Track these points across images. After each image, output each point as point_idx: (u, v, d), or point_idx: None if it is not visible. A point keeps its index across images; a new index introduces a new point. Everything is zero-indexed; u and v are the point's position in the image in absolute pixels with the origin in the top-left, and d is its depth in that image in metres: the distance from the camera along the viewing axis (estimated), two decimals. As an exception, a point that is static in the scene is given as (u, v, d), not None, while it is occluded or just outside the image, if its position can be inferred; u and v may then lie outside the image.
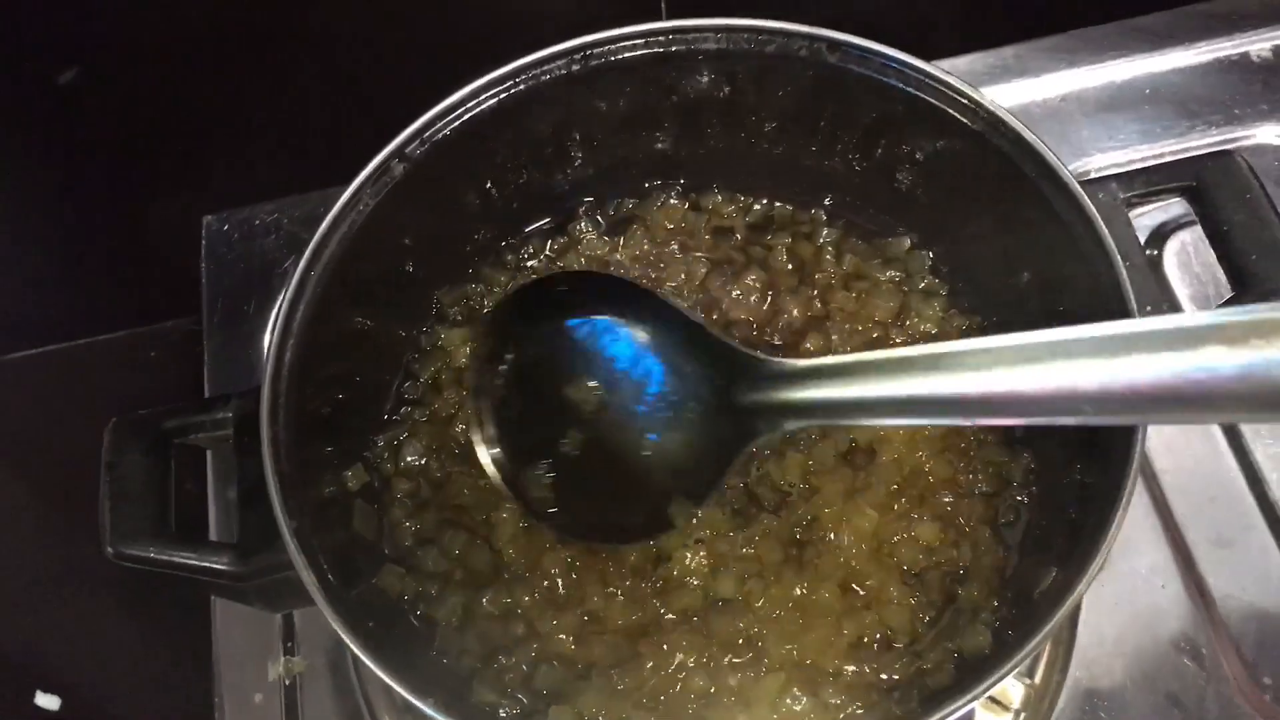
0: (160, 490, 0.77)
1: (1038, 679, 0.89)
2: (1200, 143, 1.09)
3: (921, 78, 0.83)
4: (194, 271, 1.17)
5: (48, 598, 1.14)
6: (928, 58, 0.85)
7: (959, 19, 1.22)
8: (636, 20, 0.87)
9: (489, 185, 0.93)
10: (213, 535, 0.98)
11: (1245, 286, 0.76)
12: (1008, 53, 1.17)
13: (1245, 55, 1.13)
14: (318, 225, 0.81)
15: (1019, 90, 1.14)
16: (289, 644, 0.96)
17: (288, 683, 0.95)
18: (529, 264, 0.96)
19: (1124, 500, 0.68)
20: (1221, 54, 1.14)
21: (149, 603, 1.07)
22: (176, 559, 0.73)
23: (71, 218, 1.24)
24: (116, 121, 1.18)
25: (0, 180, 1.23)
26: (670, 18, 0.87)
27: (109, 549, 0.73)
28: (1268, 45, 1.13)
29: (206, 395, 1.08)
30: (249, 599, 0.79)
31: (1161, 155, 1.09)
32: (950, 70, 0.83)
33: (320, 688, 0.95)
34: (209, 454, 1.01)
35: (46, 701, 1.07)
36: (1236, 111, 1.10)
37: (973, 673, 0.70)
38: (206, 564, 0.73)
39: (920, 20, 1.19)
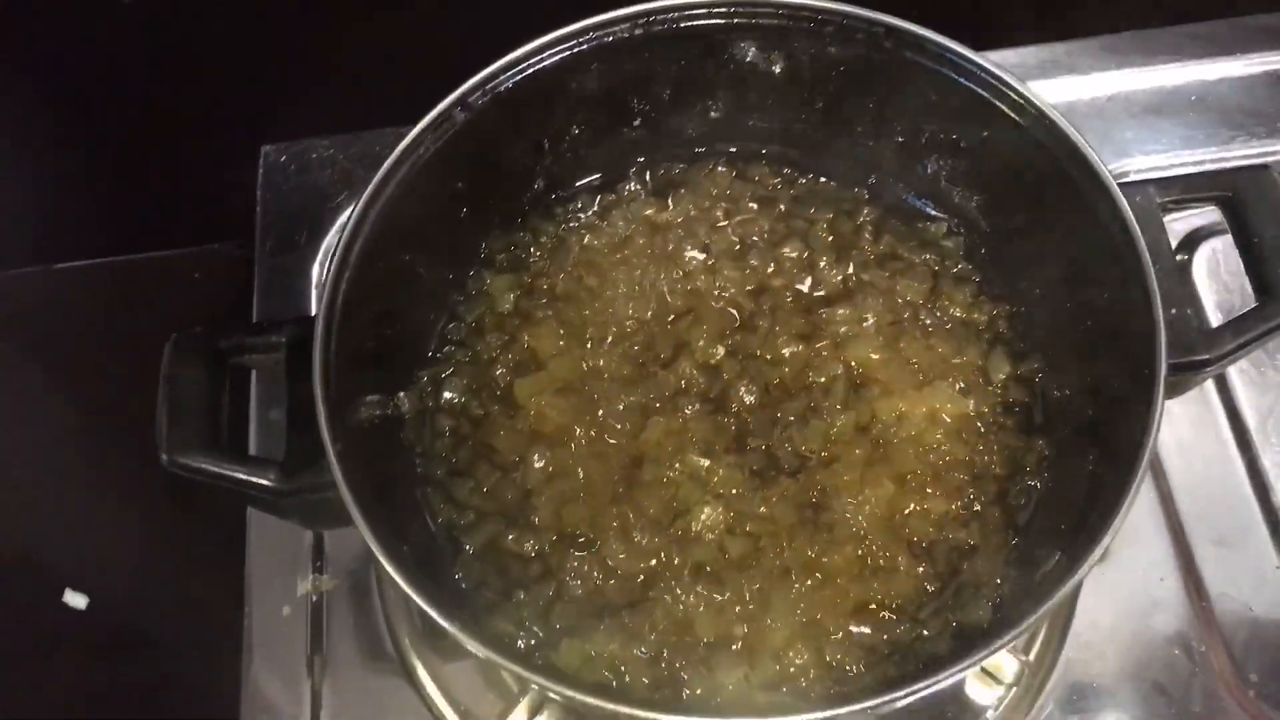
0: (213, 405, 0.80)
1: (1032, 656, 0.93)
2: (1241, 153, 1.10)
3: (974, 69, 0.86)
4: (244, 198, 1.20)
5: (84, 502, 1.18)
6: (980, 47, 0.87)
7: (1015, 10, 1.23)
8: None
9: (544, 139, 0.96)
10: (252, 450, 1.02)
11: (1270, 296, 0.79)
12: (1059, 48, 1.18)
13: (1296, 70, 1.14)
14: (372, 163, 0.84)
15: (1067, 87, 1.16)
16: (318, 563, 1.00)
17: (314, 599, 0.99)
18: (578, 217, 0.99)
19: (1132, 491, 0.71)
20: (1271, 67, 1.15)
21: (184, 514, 1.11)
22: (226, 472, 0.77)
23: (130, 136, 1.27)
24: (181, 45, 1.21)
25: (65, 96, 1.26)
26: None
27: (164, 457, 0.76)
28: (1318, 62, 1.15)
29: (255, 317, 1.12)
30: (288, 514, 0.83)
31: (1202, 162, 1.10)
32: (1000, 62, 0.86)
33: (345, 606, 0.99)
34: (254, 375, 1.05)
35: (75, 600, 1.11)
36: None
37: (969, 644, 0.74)
38: (254, 479, 0.77)
39: (977, 8, 1.20)
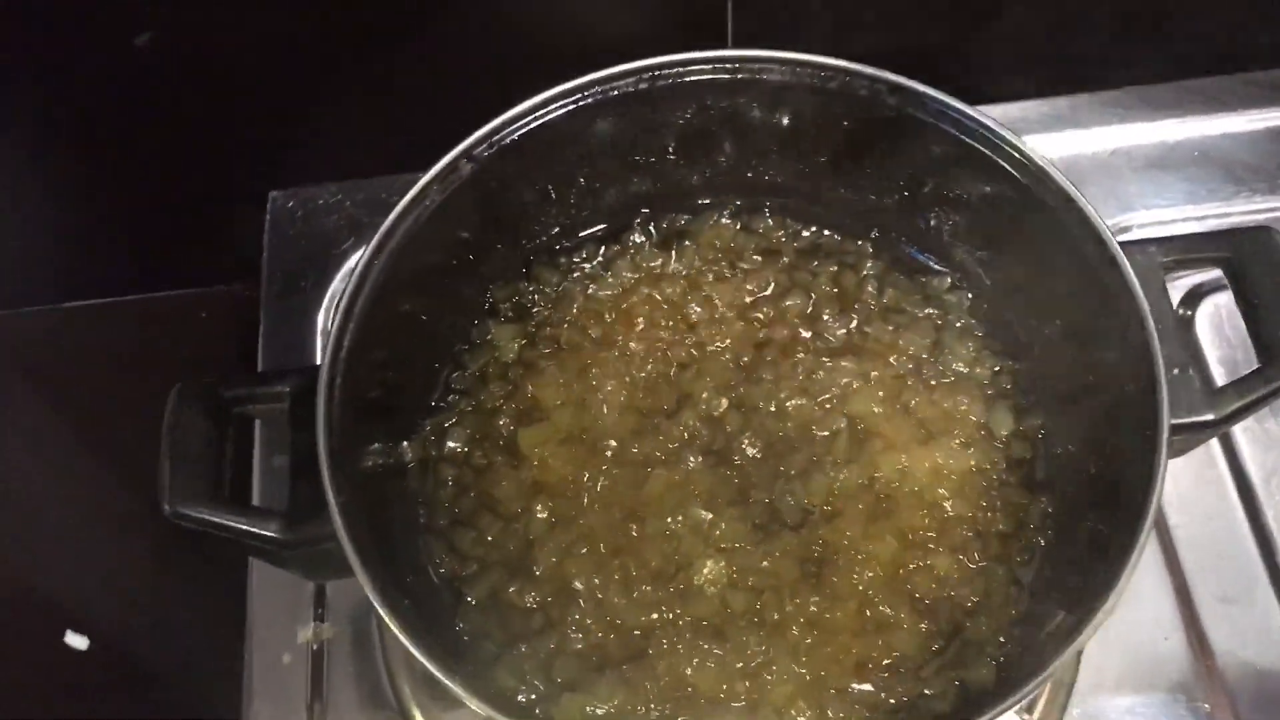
0: (216, 455, 0.80)
1: (1036, 715, 0.92)
2: (1244, 208, 1.11)
3: (974, 126, 0.86)
4: (252, 241, 1.21)
5: (88, 543, 1.18)
6: (981, 101, 0.88)
7: (1014, 65, 1.24)
8: (704, 46, 0.90)
9: (550, 190, 0.96)
10: (255, 499, 1.02)
11: (1271, 359, 0.79)
12: (1062, 103, 1.20)
13: (1296, 126, 1.15)
14: (378, 210, 0.86)
15: (1070, 141, 1.16)
16: (319, 610, 1.00)
17: (315, 647, 0.99)
18: (582, 267, 1.00)
19: (1136, 553, 0.71)
20: (1274, 123, 1.16)
21: (187, 558, 1.11)
22: (228, 522, 0.77)
23: (140, 178, 1.28)
24: (193, 88, 1.22)
25: (76, 137, 1.27)
26: (735, 46, 0.90)
27: (166, 508, 0.76)
28: (1319, 117, 1.15)
29: (260, 362, 1.13)
30: (289, 565, 0.83)
31: (1205, 218, 1.11)
32: (1002, 117, 0.86)
33: (345, 655, 0.99)
34: (258, 423, 1.05)
35: (76, 641, 1.11)
36: (1281, 181, 1.13)
37: (973, 703, 0.74)
38: (256, 530, 0.77)
39: (977, 62, 1.21)
